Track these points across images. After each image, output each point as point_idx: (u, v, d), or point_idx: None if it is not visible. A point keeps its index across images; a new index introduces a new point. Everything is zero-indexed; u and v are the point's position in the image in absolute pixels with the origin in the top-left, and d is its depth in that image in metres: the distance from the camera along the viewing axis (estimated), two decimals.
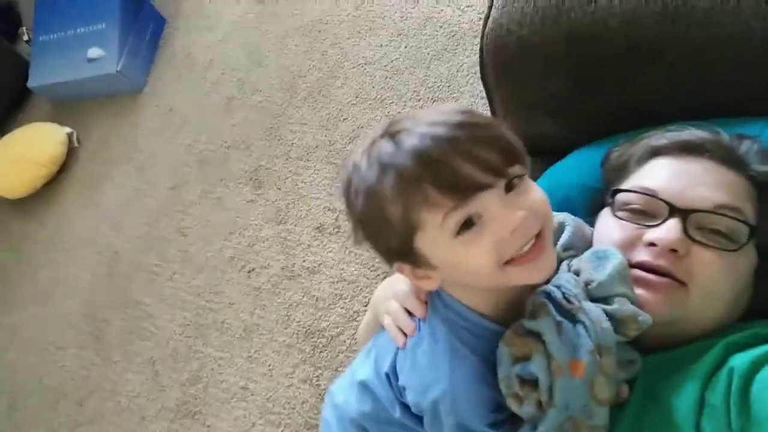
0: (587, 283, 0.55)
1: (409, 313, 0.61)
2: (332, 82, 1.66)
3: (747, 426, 0.46)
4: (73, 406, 1.56)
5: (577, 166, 0.81)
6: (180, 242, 1.66)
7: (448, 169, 0.46)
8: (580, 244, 0.62)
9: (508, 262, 0.49)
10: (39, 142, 1.92)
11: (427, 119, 0.49)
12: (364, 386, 0.64)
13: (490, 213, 0.48)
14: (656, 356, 0.57)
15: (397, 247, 0.51)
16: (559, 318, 0.52)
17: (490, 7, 0.86)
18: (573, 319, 0.52)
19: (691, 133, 0.62)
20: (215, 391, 1.42)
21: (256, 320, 1.46)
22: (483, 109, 1.41)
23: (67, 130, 1.95)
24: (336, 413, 0.67)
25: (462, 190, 0.46)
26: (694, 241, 0.56)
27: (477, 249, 0.48)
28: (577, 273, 0.57)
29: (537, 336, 0.51)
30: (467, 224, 0.48)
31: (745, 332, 0.56)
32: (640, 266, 0.56)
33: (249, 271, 1.53)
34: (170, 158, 1.81)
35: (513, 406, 0.52)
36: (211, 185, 1.70)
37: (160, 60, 2.03)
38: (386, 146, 0.48)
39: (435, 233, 0.48)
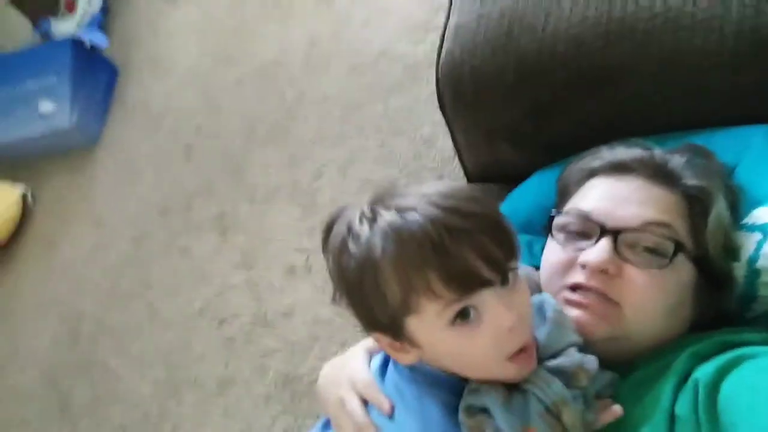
0: None
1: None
2: (292, 122, 1.65)
3: None
4: None
5: (539, 188, 0.81)
6: (146, 297, 1.60)
7: (457, 262, 0.46)
8: (532, 289, 0.62)
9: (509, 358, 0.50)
10: None
11: (437, 201, 0.47)
12: None
13: (486, 307, 0.48)
14: (623, 381, 0.57)
15: (383, 321, 0.50)
16: (504, 389, 0.52)
17: (443, 38, 0.87)
18: (520, 390, 0.52)
19: (622, 153, 0.63)
20: None
21: (231, 373, 1.40)
22: (444, 138, 1.43)
23: (21, 189, 1.88)
24: None
25: (467, 284, 0.46)
26: (624, 260, 0.57)
27: (476, 344, 0.49)
28: None
29: (485, 411, 0.51)
30: (463, 314, 0.48)
31: (706, 341, 0.56)
32: (576, 287, 0.58)
33: (220, 322, 1.47)
34: (130, 210, 1.76)
35: None
36: (175, 235, 1.66)
37: (115, 111, 1.99)
38: (393, 220, 0.47)
39: (431, 320, 0.48)
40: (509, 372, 0.51)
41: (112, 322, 1.60)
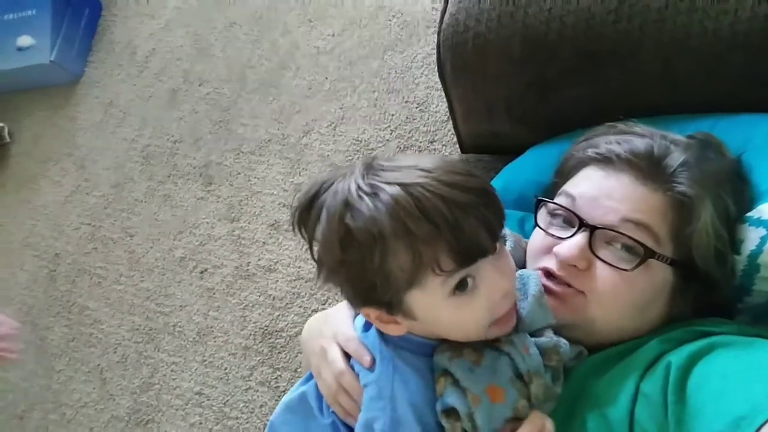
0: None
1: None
2: (284, 73, 1.61)
3: (683, 416, 0.48)
4: (13, 421, 1.47)
5: (535, 164, 0.81)
6: (126, 243, 1.58)
7: (467, 236, 0.47)
8: (518, 257, 0.64)
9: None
10: None
11: (441, 177, 0.47)
12: (303, 397, 0.64)
13: (483, 276, 0.49)
14: (591, 357, 0.59)
15: (383, 297, 0.50)
16: (471, 349, 0.53)
17: (447, 2, 0.83)
18: (497, 349, 0.53)
19: (618, 145, 0.62)
20: (169, 398, 1.37)
21: (210, 322, 1.41)
22: (439, 102, 1.41)
23: None
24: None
25: (472, 255, 0.48)
26: (596, 256, 0.58)
27: (472, 311, 0.50)
28: None
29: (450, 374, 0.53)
30: (461, 284, 0.49)
31: (679, 329, 0.57)
32: (546, 271, 0.60)
33: (201, 272, 1.47)
34: (112, 154, 1.72)
35: None
36: (158, 182, 1.62)
37: (98, 49, 1.91)
38: (400, 196, 0.46)
39: (433, 292, 0.49)
40: (492, 334, 0.53)
41: (91, 265, 1.58)
